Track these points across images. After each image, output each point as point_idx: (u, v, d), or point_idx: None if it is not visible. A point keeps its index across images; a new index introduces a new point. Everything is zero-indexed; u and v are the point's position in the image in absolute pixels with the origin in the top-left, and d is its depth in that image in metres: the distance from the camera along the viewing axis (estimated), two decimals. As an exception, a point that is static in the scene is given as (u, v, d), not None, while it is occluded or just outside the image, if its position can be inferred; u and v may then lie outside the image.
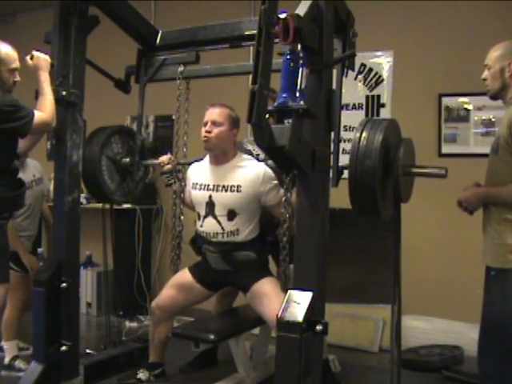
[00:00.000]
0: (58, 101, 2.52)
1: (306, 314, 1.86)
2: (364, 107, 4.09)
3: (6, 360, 3.18)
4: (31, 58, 2.51)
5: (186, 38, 2.88)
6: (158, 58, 3.05)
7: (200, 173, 2.86)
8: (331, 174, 2.11)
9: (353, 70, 2.31)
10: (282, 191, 2.58)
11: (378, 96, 4.05)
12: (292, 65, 1.78)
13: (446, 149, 3.82)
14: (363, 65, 4.04)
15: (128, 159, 3.07)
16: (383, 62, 4.03)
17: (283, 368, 1.90)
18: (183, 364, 3.24)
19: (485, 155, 2.41)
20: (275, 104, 1.79)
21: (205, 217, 2.77)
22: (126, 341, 3.64)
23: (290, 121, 1.77)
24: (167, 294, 2.89)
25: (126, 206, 4.27)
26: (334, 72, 2.18)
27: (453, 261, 3.69)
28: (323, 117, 1.99)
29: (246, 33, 2.64)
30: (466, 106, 3.78)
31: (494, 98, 2.34)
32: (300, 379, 1.86)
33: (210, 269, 2.84)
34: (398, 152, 2.11)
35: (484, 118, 3.72)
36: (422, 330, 3.65)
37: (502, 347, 2.19)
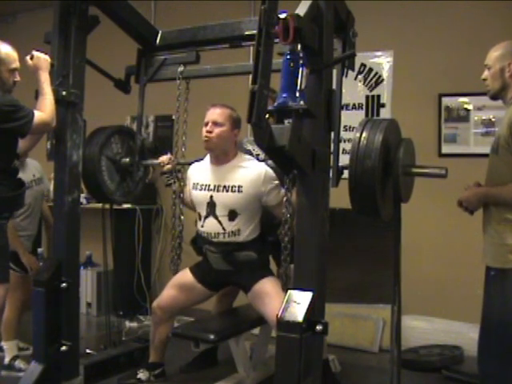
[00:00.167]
0: (58, 101, 2.52)
1: (306, 314, 1.86)
2: (364, 107, 4.09)
3: (6, 360, 3.18)
4: (31, 58, 2.50)
5: (186, 38, 2.88)
6: (157, 58, 3.05)
7: (200, 173, 2.86)
8: (331, 174, 2.11)
9: (353, 69, 2.31)
10: (282, 191, 2.57)
11: (378, 96, 4.05)
12: (292, 65, 1.79)
13: (446, 149, 3.82)
14: (363, 65, 4.04)
15: (128, 159, 3.07)
16: (383, 61, 4.03)
17: (283, 368, 1.90)
18: (183, 364, 3.24)
19: (485, 155, 2.41)
20: (275, 104, 1.79)
21: (206, 217, 2.77)
22: (126, 341, 3.64)
23: (290, 121, 1.78)
24: (168, 294, 2.89)
25: (125, 206, 4.27)
26: (334, 72, 2.18)
27: (453, 261, 3.68)
28: (323, 117, 1.99)
29: (246, 33, 2.64)
30: (466, 105, 3.78)
31: (494, 98, 2.34)
32: (300, 379, 1.86)
33: (211, 269, 2.84)
34: (398, 152, 2.12)
35: (484, 117, 3.72)
36: (422, 329, 3.65)
37: (501, 347, 2.19)
